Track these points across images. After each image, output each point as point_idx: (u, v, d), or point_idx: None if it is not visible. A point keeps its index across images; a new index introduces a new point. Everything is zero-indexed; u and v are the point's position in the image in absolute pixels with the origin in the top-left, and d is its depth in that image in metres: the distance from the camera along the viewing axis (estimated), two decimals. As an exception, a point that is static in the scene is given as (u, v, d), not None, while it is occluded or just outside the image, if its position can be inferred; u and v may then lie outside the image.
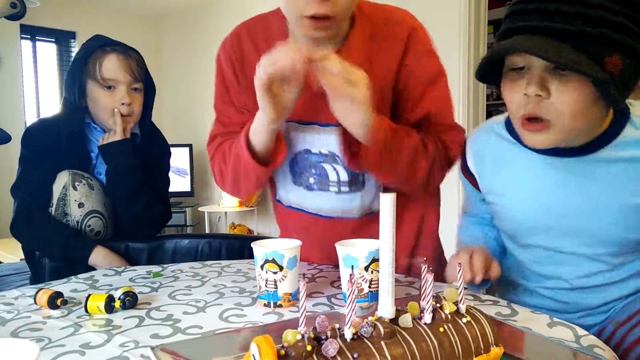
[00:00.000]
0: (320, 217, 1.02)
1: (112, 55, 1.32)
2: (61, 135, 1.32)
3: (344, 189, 0.98)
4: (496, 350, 0.52)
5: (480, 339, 0.51)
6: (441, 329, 0.50)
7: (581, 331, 0.66)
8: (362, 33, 0.93)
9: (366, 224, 1.01)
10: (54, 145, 1.32)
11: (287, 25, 0.95)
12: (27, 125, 1.45)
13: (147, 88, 1.42)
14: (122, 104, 1.33)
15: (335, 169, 0.97)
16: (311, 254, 1.07)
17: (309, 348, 0.42)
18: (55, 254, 1.29)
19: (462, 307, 0.53)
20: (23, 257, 1.43)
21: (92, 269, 1.21)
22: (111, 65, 1.32)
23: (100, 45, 1.33)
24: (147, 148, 1.42)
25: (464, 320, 0.52)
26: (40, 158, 1.32)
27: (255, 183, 0.93)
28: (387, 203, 0.51)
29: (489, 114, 4.93)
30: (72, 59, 1.38)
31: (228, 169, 0.94)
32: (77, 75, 1.33)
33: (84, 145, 1.37)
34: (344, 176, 0.98)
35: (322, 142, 0.96)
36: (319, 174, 0.98)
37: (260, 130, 0.86)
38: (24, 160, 1.34)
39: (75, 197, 1.28)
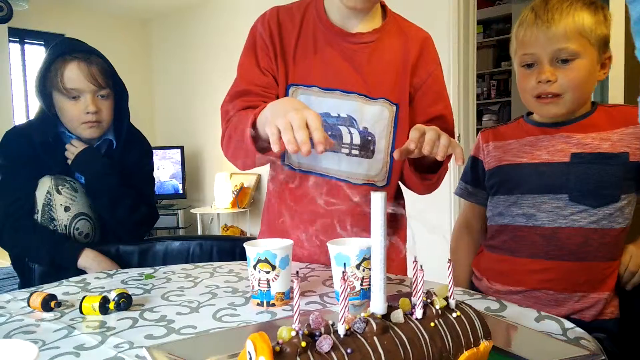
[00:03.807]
0: (325, 178, 1.05)
1: (73, 64, 1.29)
2: (34, 143, 1.31)
3: (355, 152, 1.04)
4: (485, 344, 0.53)
5: (470, 333, 0.52)
6: (432, 324, 0.51)
7: (568, 324, 0.68)
8: (393, 27, 1.07)
9: (366, 193, 1.03)
10: (29, 153, 1.31)
11: (323, 6, 1.05)
12: (12, 127, 1.43)
13: (116, 92, 1.38)
14: (88, 112, 1.31)
15: (350, 131, 1.03)
16: (315, 218, 1.06)
17: (303, 344, 0.43)
18: (43, 259, 1.28)
19: (452, 303, 0.54)
20: (13, 261, 1.42)
21: (82, 272, 1.21)
22: (72, 75, 1.29)
23: (60, 53, 1.30)
24: (125, 152, 1.40)
25: (454, 315, 0.53)
26: (18, 166, 1.31)
27: (253, 163, 0.97)
28: (377, 202, 0.52)
29: (480, 113, 4.97)
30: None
31: (234, 138, 0.96)
32: (42, 86, 1.32)
33: (62, 151, 1.35)
34: (357, 139, 1.04)
35: (342, 106, 1.03)
36: (334, 135, 1.03)
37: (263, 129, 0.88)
38: (3, 169, 1.33)
39: (61, 201, 1.27)
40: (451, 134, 1.08)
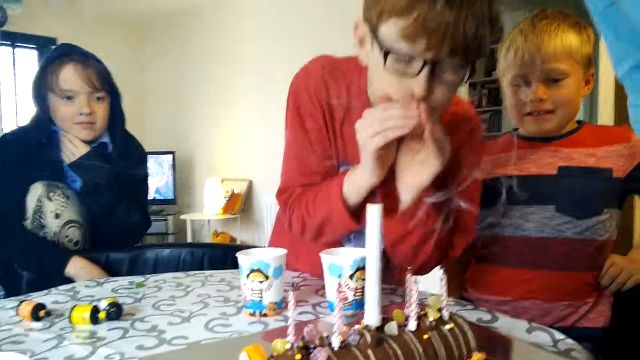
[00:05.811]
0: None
1: (69, 65, 1.30)
2: (29, 146, 1.31)
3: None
4: (478, 356, 0.54)
5: (463, 345, 0.53)
6: (426, 336, 0.51)
7: (559, 335, 0.68)
8: None
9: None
10: (22, 157, 1.30)
11: (367, 94, 0.91)
12: (4, 133, 1.43)
13: (112, 96, 1.39)
14: (81, 114, 1.31)
15: None
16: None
17: (298, 357, 0.43)
18: (31, 266, 1.27)
19: (446, 314, 0.55)
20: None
21: (72, 281, 1.20)
22: (68, 76, 1.30)
23: (58, 55, 1.31)
24: (121, 157, 1.40)
25: (447, 326, 0.53)
26: (10, 170, 1.30)
27: (345, 235, 0.94)
28: (374, 213, 0.52)
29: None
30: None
31: (314, 222, 0.91)
32: (38, 87, 1.32)
33: (55, 154, 1.35)
34: None
35: None
36: None
37: (358, 192, 0.84)
38: None
39: (51, 208, 1.26)
40: (465, 223, 0.94)
